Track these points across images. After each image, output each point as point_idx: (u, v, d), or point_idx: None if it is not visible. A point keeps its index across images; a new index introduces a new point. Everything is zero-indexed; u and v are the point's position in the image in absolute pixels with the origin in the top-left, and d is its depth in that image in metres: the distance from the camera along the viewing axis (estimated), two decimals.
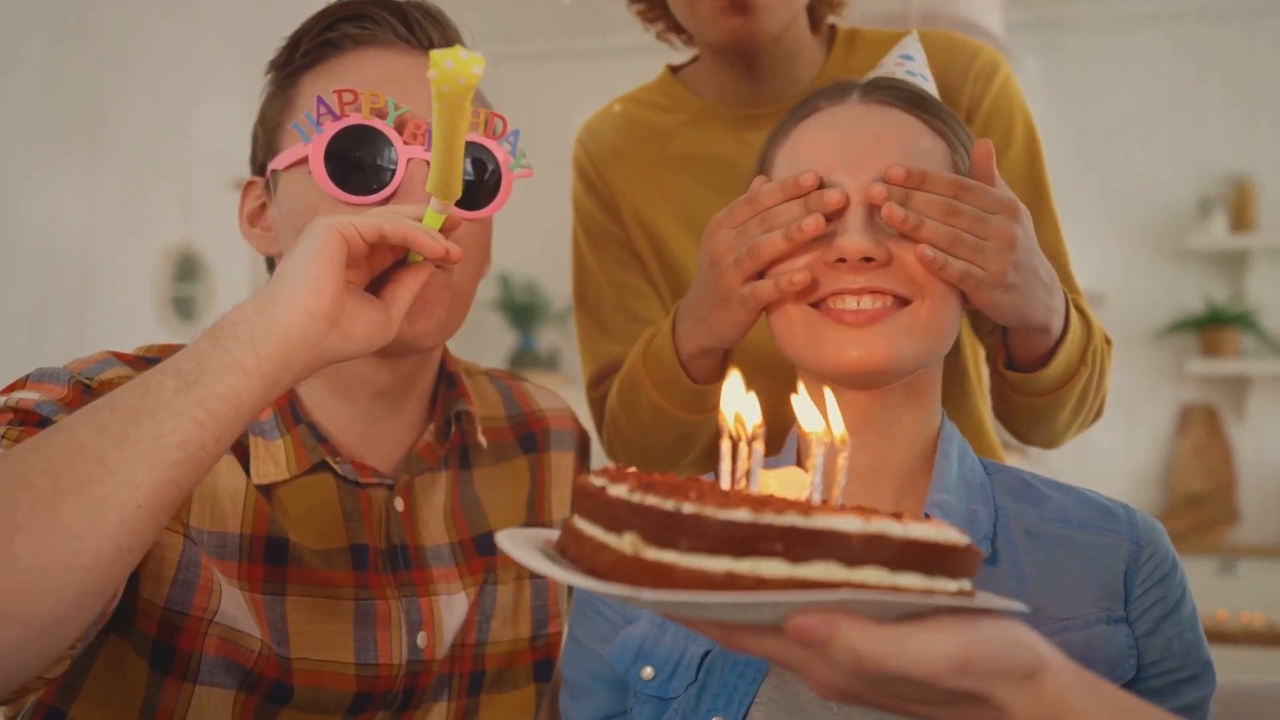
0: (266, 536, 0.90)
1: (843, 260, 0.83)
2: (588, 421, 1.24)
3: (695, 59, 1.28)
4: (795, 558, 0.54)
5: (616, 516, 0.57)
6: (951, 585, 0.57)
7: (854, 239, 0.83)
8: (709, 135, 1.21)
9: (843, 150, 0.87)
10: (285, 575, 0.90)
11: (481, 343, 4.43)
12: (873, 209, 0.85)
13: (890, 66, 1.00)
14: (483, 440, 1.05)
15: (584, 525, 0.60)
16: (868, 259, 0.83)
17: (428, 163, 0.86)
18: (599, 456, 1.18)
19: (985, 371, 1.18)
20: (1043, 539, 0.86)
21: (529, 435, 1.11)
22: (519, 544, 0.61)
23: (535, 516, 1.08)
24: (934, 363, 0.90)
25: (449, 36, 0.97)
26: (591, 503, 0.60)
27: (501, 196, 0.94)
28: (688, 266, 1.19)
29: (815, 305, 0.86)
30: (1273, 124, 4.11)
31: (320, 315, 0.74)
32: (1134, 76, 4.23)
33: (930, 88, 0.99)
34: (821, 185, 0.86)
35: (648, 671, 0.85)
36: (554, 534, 0.65)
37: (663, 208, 1.22)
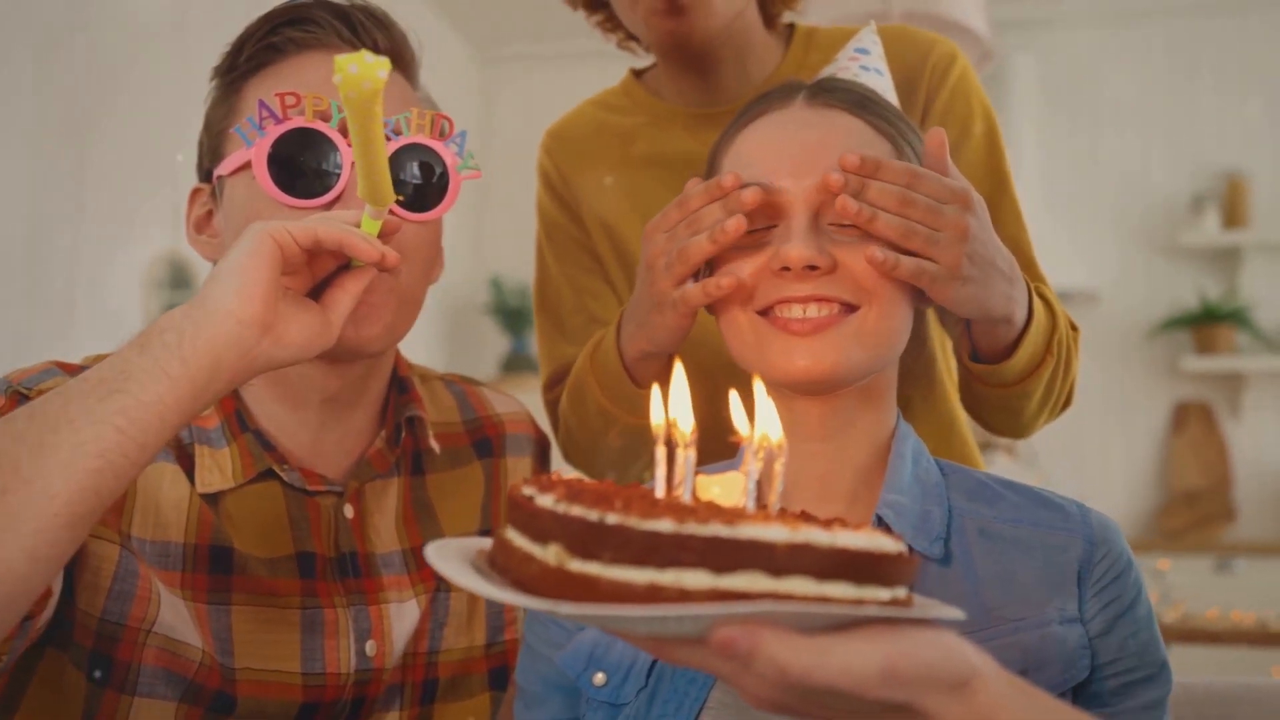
0: (210, 545, 0.89)
1: (787, 268, 0.82)
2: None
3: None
4: (719, 568, 0.53)
5: (542, 527, 0.56)
6: (884, 594, 0.56)
7: (797, 248, 0.82)
8: (669, 136, 1.21)
9: (787, 154, 0.86)
10: (230, 584, 0.89)
11: (475, 347, 4.40)
12: (817, 215, 0.84)
13: (844, 61, 0.99)
14: (435, 445, 1.04)
15: (513, 536, 0.59)
16: (812, 267, 0.82)
17: None
18: (560, 462, 1.17)
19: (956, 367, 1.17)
20: (997, 539, 0.84)
21: (484, 440, 1.10)
22: (446, 556, 0.59)
23: (490, 522, 1.07)
24: (888, 366, 0.88)
25: (394, 38, 0.96)
26: (520, 513, 0.59)
27: (449, 198, 0.93)
28: None
29: (763, 313, 0.85)
30: (1265, 119, 4.09)
31: (251, 322, 0.73)
32: (1126, 72, 4.21)
33: (885, 80, 0.98)
34: (746, 186, 0.85)
35: (599, 677, 0.84)
36: (488, 544, 0.64)
37: (624, 209, 1.21)
